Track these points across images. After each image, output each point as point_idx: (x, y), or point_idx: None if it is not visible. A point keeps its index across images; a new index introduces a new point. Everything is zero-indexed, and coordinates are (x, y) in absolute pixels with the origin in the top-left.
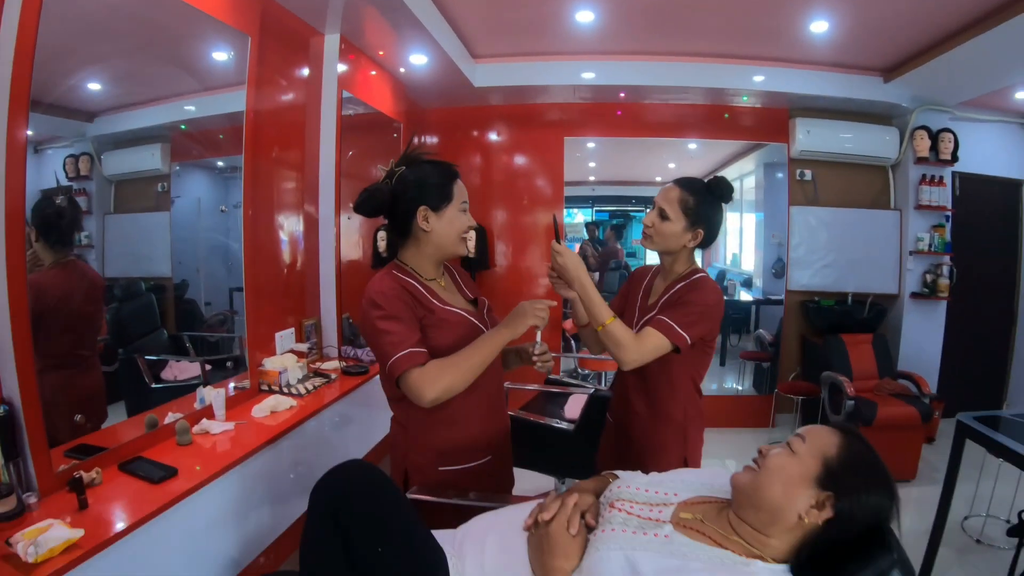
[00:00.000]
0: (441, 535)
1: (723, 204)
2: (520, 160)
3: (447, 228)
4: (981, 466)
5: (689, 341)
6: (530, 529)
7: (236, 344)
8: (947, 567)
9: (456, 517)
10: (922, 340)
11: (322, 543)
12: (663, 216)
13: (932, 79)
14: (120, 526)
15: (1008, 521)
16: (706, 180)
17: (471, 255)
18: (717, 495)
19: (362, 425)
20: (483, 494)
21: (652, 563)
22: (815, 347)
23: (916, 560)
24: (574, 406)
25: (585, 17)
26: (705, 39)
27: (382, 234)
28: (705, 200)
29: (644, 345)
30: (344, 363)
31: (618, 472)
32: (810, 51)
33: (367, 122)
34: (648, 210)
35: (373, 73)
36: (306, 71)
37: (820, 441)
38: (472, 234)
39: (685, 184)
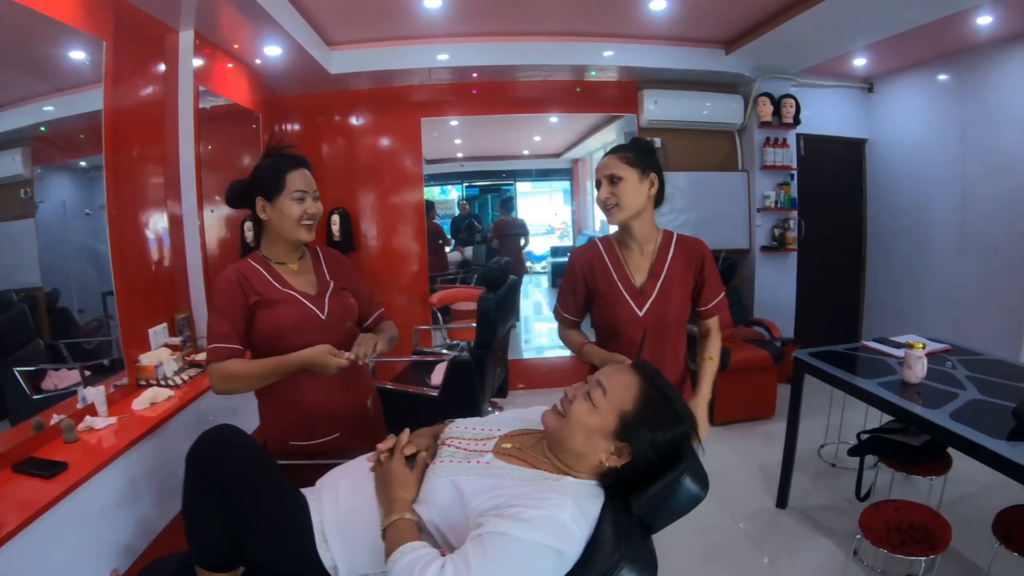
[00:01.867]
0: (304, 492)
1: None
2: (382, 142)
3: (280, 216)
4: (831, 398)
5: None
6: (375, 469)
7: (114, 347)
8: (804, 491)
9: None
10: (776, 289)
11: (197, 499)
12: (614, 180)
13: (771, 50)
14: (18, 519)
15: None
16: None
17: (310, 239)
18: (535, 427)
19: (242, 407)
20: (334, 452)
21: (472, 484)
22: None
23: (773, 486)
24: (439, 373)
25: (432, 3)
26: (554, 19)
27: (248, 224)
28: (640, 149)
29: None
30: None
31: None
32: (654, 27)
33: (225, 114)
34: (598, 189)
35: (229, 66)
36: (162, 68)
37: (618, 395)
38: (336, 218)
39: (615, 149)
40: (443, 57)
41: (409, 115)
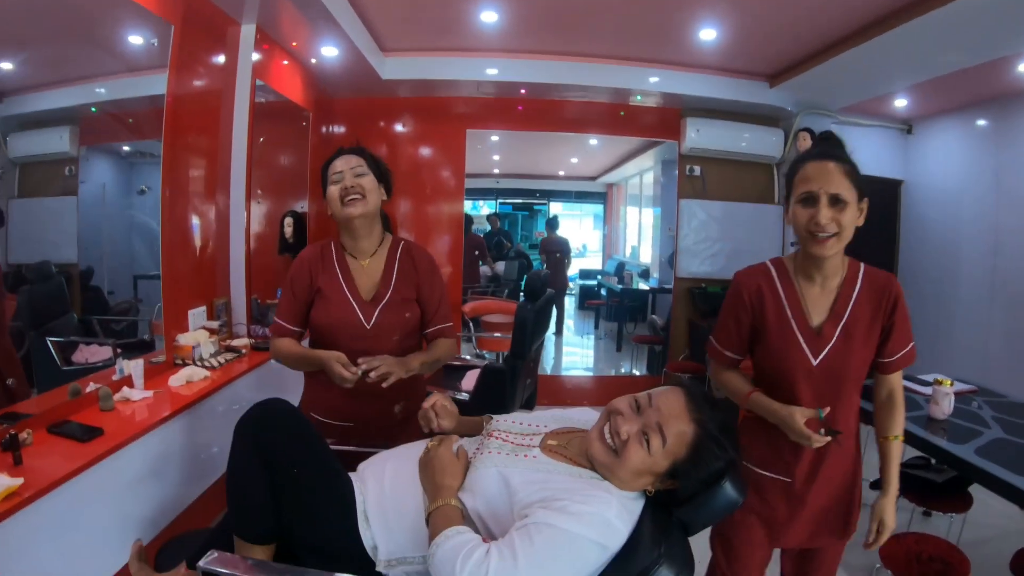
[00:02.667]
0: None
1: None
2: (424, 151)
3: (329, 204)
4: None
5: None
6: (420, 457)
7: (142, 328)
8: None
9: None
10: None
11: (246, 468)
12: (839, 202)
13: (814, 85)
14: (55, 476)
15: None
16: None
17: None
18: (578, 427)
19: (274, 392)
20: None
21: (520, 476)
22: (701, 329)
23: None
24: (470, 380)
25: (489, 17)
26: (603, 41)
27: (288, 220)
28: (853, 164)
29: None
30: (254, 340)
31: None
32: (700, 56)
33: (278, 110)
34: (808, 206)
35: (285, 63)
36: (222, 59)
37: (675, 443)
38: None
39: (830, 154)
40: (492, 71)
41: (455, 126)
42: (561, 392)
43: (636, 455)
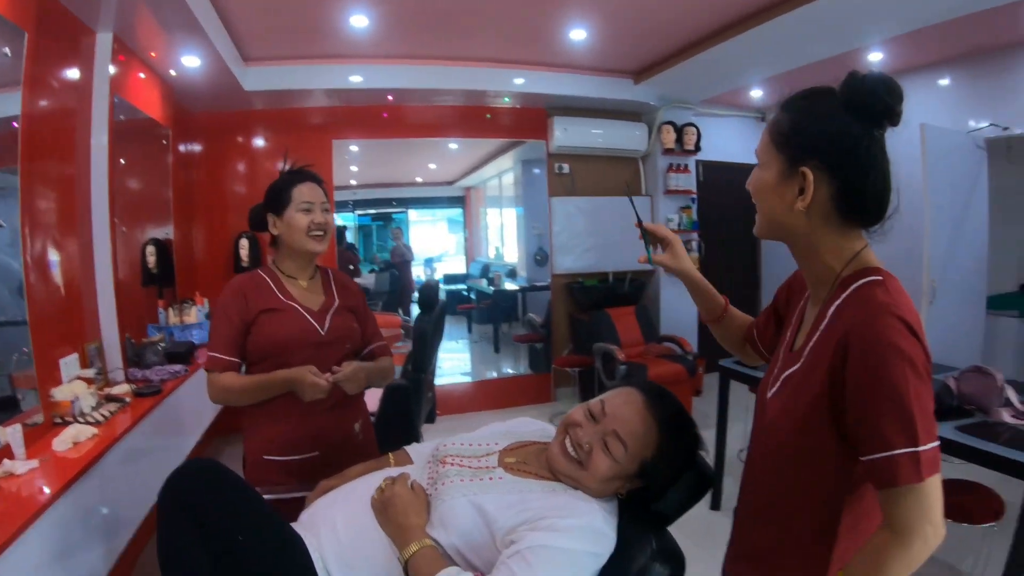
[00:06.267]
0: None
1: (871, 119)
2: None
3: (289, 229)
4: (747, 405)
5: None
6: (373, 499)
7: (5, 384)
8: (733, 494)
9: (293, 510)
10: (680, 307)
11: (180, 539)
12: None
13: (677, 81)
14: None
15: None
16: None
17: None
18: (530, 439)
19: (174, 438)
20: (311, 472)
21: (495, 501)
22: (583, 323)
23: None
24: (371, 400)
25: (360, 22)
26: (474, 44)
27: (151, 248)
28: (813, 112)
29: None
30: (134, 385)
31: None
32: (568, 56)
33: (136, 128)
34: None
35: (142, 76)
36: (77, 73)
37: (638, 445)
38: (244, 242)
39: (783, 104)
40: (356, 79)
41: (319, 136)
42: (450, 400)
43: (602, 463)
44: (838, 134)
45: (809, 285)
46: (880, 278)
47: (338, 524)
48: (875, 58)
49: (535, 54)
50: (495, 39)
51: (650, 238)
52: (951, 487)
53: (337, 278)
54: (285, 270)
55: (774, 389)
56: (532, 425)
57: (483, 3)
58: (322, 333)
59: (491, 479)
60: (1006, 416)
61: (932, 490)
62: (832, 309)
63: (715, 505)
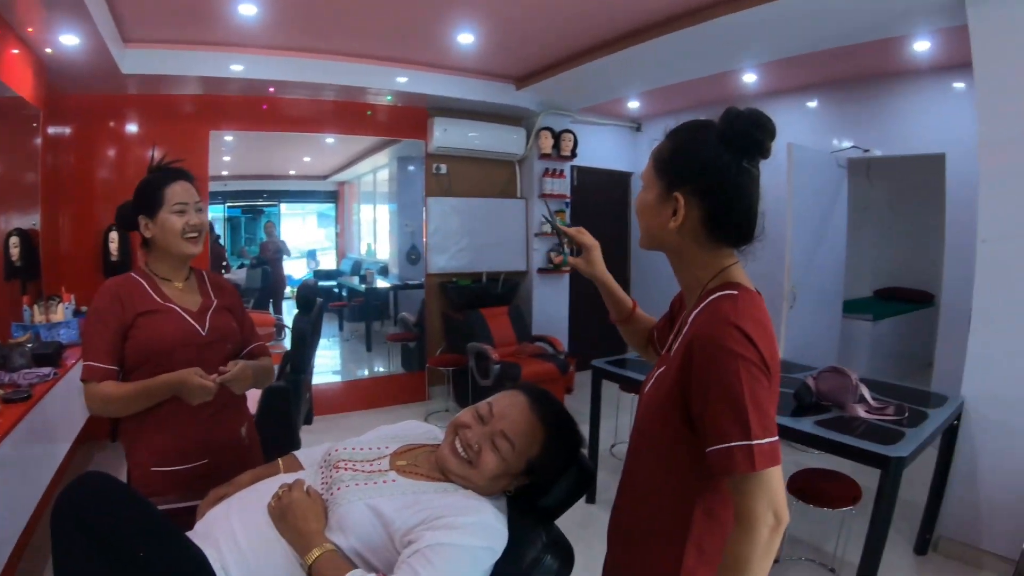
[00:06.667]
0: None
1: (741, 152)
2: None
3: (163, 231)
4: (617, 402)
5: None
6: (271, 506)
7: None
8: (608, 486)
9: (184, 521)
10: (551, 308)
11: (78, 562)
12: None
13: (558, 88)
14: None
15: None
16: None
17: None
18: (418, 442)
19: (44, 448)
20: (202, 481)
21: (390, 503)
22: (457, 322)
23: None
24: (250, 402)
25: (248, 10)
26: (359, 40)
27: (14, 239)
28: (691, 143)
29: None
30: (2, 391)
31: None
32: (452, 58)
33: (2, 106)
34: None
35: (15, 52)
36: None
37: (524, 443)
38: (114, 235)
39: (668, 134)
40: (237, 68)
41: (197, 126)
42: (324, 400)
43: (491, 461)
44: (710, 164)
45: (684, 294)
46: (735, 292)
47: (237, 533)
48: (749, 79)
49: (420, 54)
50: (382, 37)
51: (567, 242)
52: (813, 476)
53: (211, 278)
54: (159, 272)
55: (648, 386)
56: (419, 428)
57: (376, 1)
58: (203, 334)
59: (385, 482)
60: (860, 411)
61: (770, 478)
62: (692, 316)
63: (591, 499)
